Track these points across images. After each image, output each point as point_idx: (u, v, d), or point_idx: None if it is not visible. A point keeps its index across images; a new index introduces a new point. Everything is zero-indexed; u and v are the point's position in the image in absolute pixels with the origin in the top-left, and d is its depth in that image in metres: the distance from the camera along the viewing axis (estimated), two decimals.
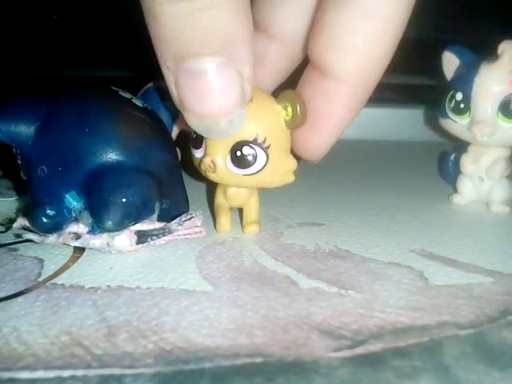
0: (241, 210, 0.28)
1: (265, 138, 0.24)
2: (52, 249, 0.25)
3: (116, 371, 0.17)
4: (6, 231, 0.28)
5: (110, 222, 0.23)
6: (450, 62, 0.33)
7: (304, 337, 0.19)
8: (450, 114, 0.33)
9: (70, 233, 0.24)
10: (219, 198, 0.28)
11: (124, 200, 0.23)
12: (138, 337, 0.19)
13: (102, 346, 0.18)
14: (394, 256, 0.26)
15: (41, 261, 0.24)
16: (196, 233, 0.25)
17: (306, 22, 0.26)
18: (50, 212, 0.23)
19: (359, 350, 0.18)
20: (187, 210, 0.27)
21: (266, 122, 0.24)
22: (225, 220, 0.28)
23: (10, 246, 0.26)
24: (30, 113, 0.24)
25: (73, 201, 0.24)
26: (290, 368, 0.17)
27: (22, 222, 0.24)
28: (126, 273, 0.23)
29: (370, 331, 0.19)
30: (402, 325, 0.20)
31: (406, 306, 0.21)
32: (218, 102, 0.20)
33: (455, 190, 0.34)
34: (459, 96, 0.32)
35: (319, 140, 0.25)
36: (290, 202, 0.32)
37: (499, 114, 0.31)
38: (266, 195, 0.29)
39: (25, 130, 0.24)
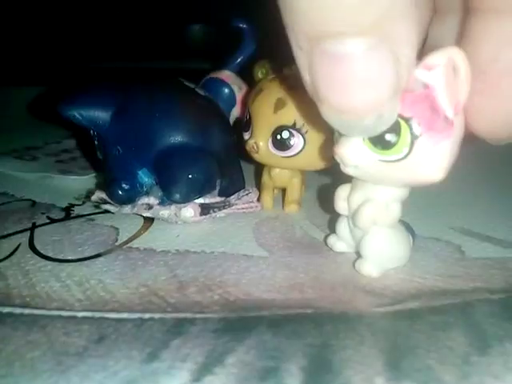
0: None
1: (303, 124, 0.27)
2: (125, 219, 0.28)
3: (188, 315, 0.20)
4: (82, 204, 0.31)
5: (177, 195, 0.26)
6: None
7: (350, 295, 0.21)
8: None
9: (142, 204, 0.27)
10: (265, 178, 0.30)
11: (190, 176, 0.26)
12: (205, 290, 0.22)
13: (175, 296, 0.21)
14: (434, 232, 0.28)
15: (116, 229, 0.28)
16: (252, 207, 0.28)
17: None
18: (125, 186, 0.27)
19: (399, 307, 0.21)
20: (243, 188, 0.29)
21: (306, 109, 0.27)
22: (268, 197, 0.30)
23: (87, 217, 0.29)
24: (107, 100, 0.28)
25: (144, 177, 0.27)
26: (337, 318, 0.20)
27: (99, 194, 0.28)
28: (191, 239, 0.26)
29: (409, 292, 0.22)
30: (438, 288, 0.22)
31: (443, 273, 0.23)
32: (363, 94, 0.16)
33: None
34: None
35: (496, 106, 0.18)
36: None
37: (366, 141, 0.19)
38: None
39: (102, 115, 0.27)
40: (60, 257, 0.24)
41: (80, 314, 0.20)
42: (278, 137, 0.27)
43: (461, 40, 0.18)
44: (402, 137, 0.18)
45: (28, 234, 0.27)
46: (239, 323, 0.19)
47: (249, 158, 0.29)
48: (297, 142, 0.27)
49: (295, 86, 0.26)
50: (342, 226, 0.24)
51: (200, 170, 0.26)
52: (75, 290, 0.22)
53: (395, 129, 0.18)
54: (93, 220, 0.29)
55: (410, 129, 0.18)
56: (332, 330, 0.19)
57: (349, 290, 0.22)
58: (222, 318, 0.20)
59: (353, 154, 0.19)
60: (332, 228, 0.25)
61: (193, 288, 0.22)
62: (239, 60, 0.34)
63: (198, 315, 0.20)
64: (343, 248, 0.24)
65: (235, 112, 0.34)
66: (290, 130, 0.27)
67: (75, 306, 0.20)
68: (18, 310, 0.20)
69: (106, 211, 0.28)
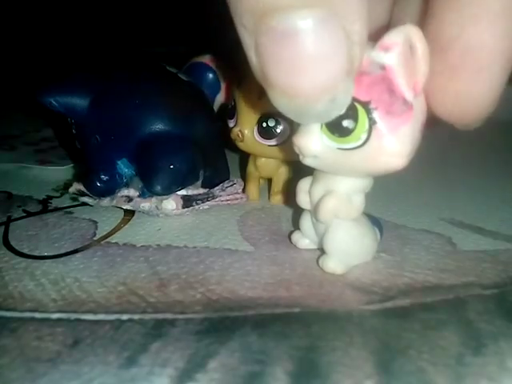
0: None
1: None
2: (104, 212, 0.27)
3: (168, 316, 0.19)
4: (60, 196, 0.30)
5: (158, 187, 0.25)
6: None
7: (338, 292, 0.20)
8: None
9: (122, 196, 0.26)
10: (250, 168, 0.29)
11: (171, 167, 0.25)
12: (186, 288, 0.21)
13: (155, 295, 0.20)
14: (424, 223, 0.27)
15: (95, 222, 0.26)
16: (237, 199, 0.27)
17: None
18: (103, 177, 0.25)
19: (389, 304, 0.20)
20: (228, 178, 0.28)
21: None
22: (254, 188, 0.29)
23: (65, 210, 0.28)
24: (84, 86, 0.26)
25: (124, 167, 0.26)
26: (325, 318, 0.19)
27: (77, 186, 0.27)
28: (173, 233, 0.25)
29: (399, 288, 0.21)
30: (429, 284, 0.21)
31: (434, 267, 0.23)
32: (314, 74, 0.14)
33: None
34: None
35: (470, 87, 0.16)
36: None
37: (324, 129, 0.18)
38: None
39: (80, 101, 0.26)
40: (35, 253, 0.23)
41: (54, 316, 0.19)
42: (264, 125, 0.26)
43: (423, 18, 0.17)
44: (360, 123, 0.17)
45: (2, 228, 0.25)
46: (222, 324, 0.18)
47: (234, 147, 0.28)
48: (283, 130, 0.26)
49: None
50: (306, 222, 0.22)
51: (182, 159, 0.25)
52: (50, 289, 0.21)
53: (352, 114, 0.17)
54: (71, 213, 0.28)
55: (368, 113, 0.17)
56: (320, 330, 0.18)
57: (337, 287, 0.21)
58: (205, 319, 0.19)
59: (310, 143, 0.18)
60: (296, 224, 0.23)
61: (174, 286, 0.21)
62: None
63: (180, 316, 0.19)
64: (307, 245, 0.23)
65: (220, 98, 0.33)
66: (276, 117, 0.25)
67: (49, 307, 0.19)
68: None
69: (85, 204, 0.27)
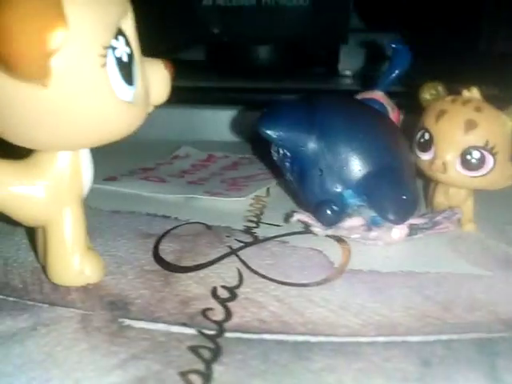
0: None
1: (494, 145, 0.28)
2: (318, 240, 0.29)
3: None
4: (258, 226, 0.31)
5: (395, 217, 0.26)
6: None
7: None
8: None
9: (349, 227, 0.27)
10: (438, 197, 0.31)
11: (404, 197, 0.26)
12: (470, 309, 0.22)
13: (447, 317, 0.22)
14: None
15: (320, 251, 0.28)
16: (447, 227, 0.29)
17: None
18: (335, 208, 0.27)
19: None
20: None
21: (496, 130, 0.28)
22: None
23: (277, 239, 0.29)
24: (305, 121, 0.28)
25: (349, 198, 0.27)
26: None
27: (299, 216, 0.28)
28: (403, 260, 0.27)
29: None
30: None
31: None
32: None
33: None
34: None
35: None
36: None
37: None
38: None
39: (303, 136, 0.28)
40: (292, 281, 0.25)
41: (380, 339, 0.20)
42: (468, 157, 0.28)
43: None
44: None
45: (234, 257, 0.27)
46: None
47: None
48: (487, 162, 0.28)
49: (482, 107, 0.27)
50: None
51: (411, 190, 0.27)
52: (342, 315, 0.22)
53: None
54: (286, 242, 0.29)
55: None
56: None
57: None
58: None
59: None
60: None
61: (458, 309, 0.22)
62: (390, 81, 0.35)
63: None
64: None
65: None
66: (481, 150, 0.28)
67: (362, 332, 0.21)
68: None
69: (300, 233, 0.29)
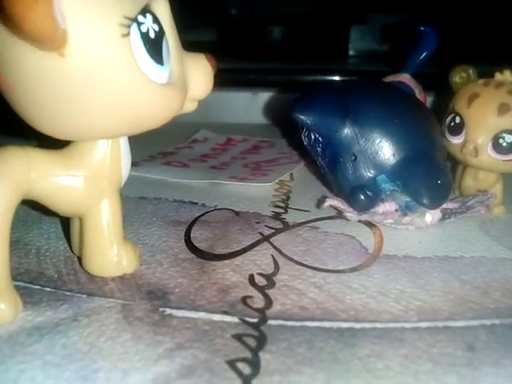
0: None
1: None
2: (350, 226, 0.29)
3: None
4: (287, 212, 0.31)
5: (431, 201, 0.26)
6: None
7: None
8: None
9: (383, 212, 0.27)
10: (467, 181, 0.31)
11: (439, 182, 0.26)
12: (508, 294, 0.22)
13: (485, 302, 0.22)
14: None
15: (352, 237, 0.28)
16: (479, 211, 0.29)
17: None
18: (369, 193, 0.27)
19: None
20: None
21: None
22: None
23: (308, 224, 0.29)
24: (339, 106, 0.28)
25: (382, 183, 0.27)
26: None
27: (331, 202, 0.28)
28: (437, 245, 0.27)
29: None
30: None
31: None
32: None
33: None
34: None
35: None
36: None
37: None
38: None
39: (337, 122, 0.28)
40: (329, 267, 0.25)
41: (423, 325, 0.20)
42: (501, 141, 0.28)
43: None
44: None
45: (267, 244, 0.27)
46: None
47: None
48: None
49: None
50: None
51: (445, 175, 0.27)
52: (383, 301, 0.22)
53: None
54: (317, 228, 0.29)
55: None
56: None
57: None
58: None
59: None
60: None
61: (497, 292, 0.22)
62: (417, 63, 0.34)
63: None
64: None
65: None
66: None
67: (408, 316, 0.21)
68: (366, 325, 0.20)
69: (330, 218, 0.29)
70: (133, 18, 0.18)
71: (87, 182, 0.21)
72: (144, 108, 0.19)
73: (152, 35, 0.19)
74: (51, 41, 0.16)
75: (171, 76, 0.20)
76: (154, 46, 0.19)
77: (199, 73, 0.21)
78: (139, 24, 0.18)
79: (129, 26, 0.18)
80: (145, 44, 0.18)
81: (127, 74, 0.18)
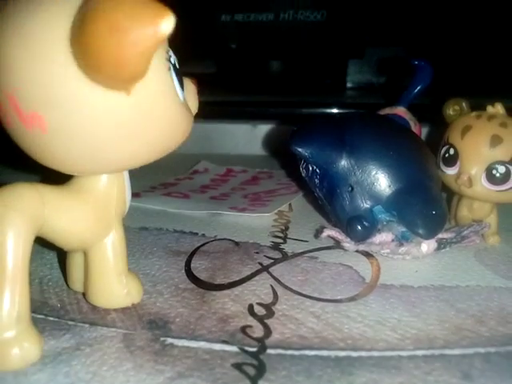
0: None
1: None
2: (347, 256, 0.29)
3: None
4: (285, 242, 0.32)
5: (425, 231, 0.27)
6: None
7: None
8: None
9: (380, 242, 0.28)
10: (462, 211, 0.32)
11: (434, 212, 0.27)
12: (503, 322, 0.23)
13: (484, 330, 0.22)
14: None
15: (349, 267, 0.28)
16: (474, 240, 0.29)
17: None
18: (366, 223, 0.27)
19: None
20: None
21: None
22: None
23: (306, 254, 0.30)
24: (336, 139, 0.28)
25: (379, 214, 0.28)
26: None
27: (328, 232, 0.29)
28: (433, 274, 0.28)
29: None
30: None
31: None
32: None
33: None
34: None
35: None
36: None
37: None
38: None
39: (334, 154, 0.28)
40: (327, 297, 0.25)
41: (418, 353, 0.21)
42: (494, 171, 0.29)
43: None
44: None
45: (266, 274, 0.27)
46: None
47: None
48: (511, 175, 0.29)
49: (507, 123, 0.28)
50: None
51: (439, 206, 0.27)
52: (379, 330, 0.23)
53: None
54: (316, 258, 0.29)
55: None
56: None
57: None
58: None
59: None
60: None
61: (492, 321, 0.23)
62: (412, 96, 0.35)
63: None
64: None
65: None
66: (507, 165, 0.28)
67: (400, 346, 0.21)
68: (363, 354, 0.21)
69: (328, 248, 0.29)
70: (169, 50, 0.19)
71: (96, 214, 0.22)
72: (176, 131, 0.21)
73: (177, 65, 0.20)
74: (136, 80, 0.17)
75: (184, 97, 0.21)
76: (179, 75, 0.20)
77: (191, 94, 0.22)
78: (169, 57, 0.19)
79: (169, 60, 0.19)
80: (176, 74, 0.20)
81: (175, 105, 0.20)
